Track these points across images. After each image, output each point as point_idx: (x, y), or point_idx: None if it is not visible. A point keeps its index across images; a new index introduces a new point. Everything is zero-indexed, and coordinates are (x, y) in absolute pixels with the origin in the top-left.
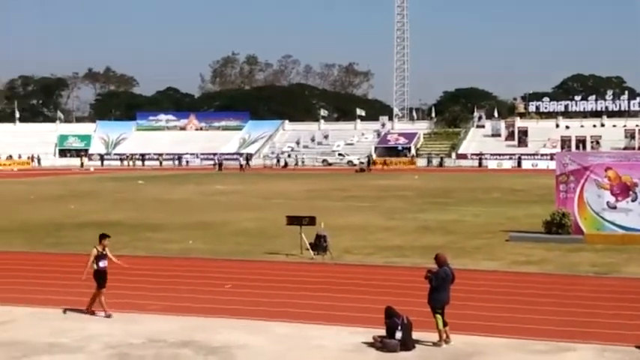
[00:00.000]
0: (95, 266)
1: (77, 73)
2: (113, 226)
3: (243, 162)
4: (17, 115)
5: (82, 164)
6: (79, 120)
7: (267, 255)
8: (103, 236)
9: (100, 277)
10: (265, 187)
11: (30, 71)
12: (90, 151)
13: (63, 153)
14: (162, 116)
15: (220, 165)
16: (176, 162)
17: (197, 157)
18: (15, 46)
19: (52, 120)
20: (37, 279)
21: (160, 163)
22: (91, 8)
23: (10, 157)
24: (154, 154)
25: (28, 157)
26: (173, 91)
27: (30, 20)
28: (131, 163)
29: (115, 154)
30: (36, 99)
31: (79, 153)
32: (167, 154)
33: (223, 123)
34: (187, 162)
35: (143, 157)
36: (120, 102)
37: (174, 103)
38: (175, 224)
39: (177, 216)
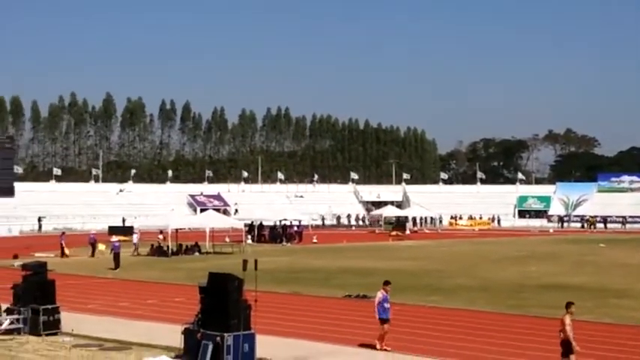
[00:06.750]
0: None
1: (537, 135)
2: (575, 290)
3: None
4: (479, 176)
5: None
6: (538, 181)
7: None
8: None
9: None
10: None
11: (492, 134)
12: (549, 213)
13: (522, 214)
14: (626, 177)
15: None
16: None
17: None
18: (479, 112)
19: (512, 181)
20: (503, 340)
21: (623, 225)
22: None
23: (472, 217)
24: (616, 216)
25: (488, 218)
26: (637, 151)
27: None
28: (592, 225)
29: (574, 216)
30: (496, 161)
31: (537, 214)
32: (630, 216)
33: None
34: None
35: (605, 219)
36: (580, 163)
37: (637, 163)
38: None
39: None
